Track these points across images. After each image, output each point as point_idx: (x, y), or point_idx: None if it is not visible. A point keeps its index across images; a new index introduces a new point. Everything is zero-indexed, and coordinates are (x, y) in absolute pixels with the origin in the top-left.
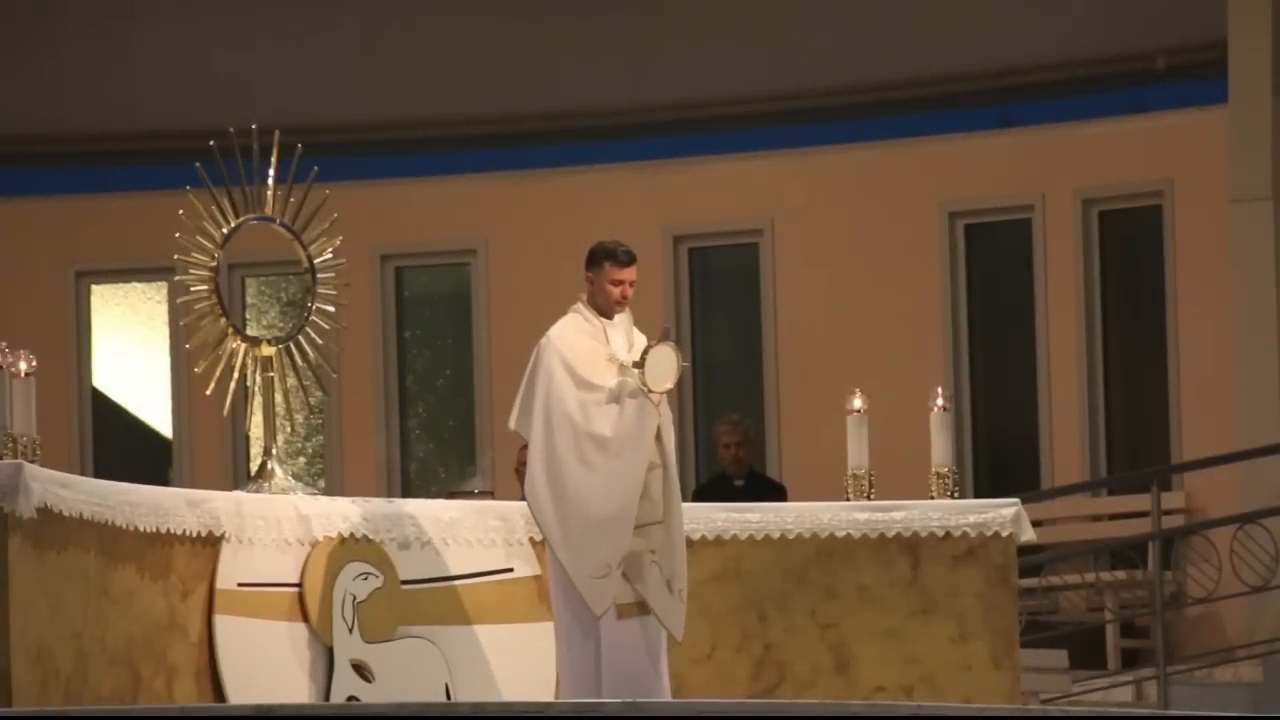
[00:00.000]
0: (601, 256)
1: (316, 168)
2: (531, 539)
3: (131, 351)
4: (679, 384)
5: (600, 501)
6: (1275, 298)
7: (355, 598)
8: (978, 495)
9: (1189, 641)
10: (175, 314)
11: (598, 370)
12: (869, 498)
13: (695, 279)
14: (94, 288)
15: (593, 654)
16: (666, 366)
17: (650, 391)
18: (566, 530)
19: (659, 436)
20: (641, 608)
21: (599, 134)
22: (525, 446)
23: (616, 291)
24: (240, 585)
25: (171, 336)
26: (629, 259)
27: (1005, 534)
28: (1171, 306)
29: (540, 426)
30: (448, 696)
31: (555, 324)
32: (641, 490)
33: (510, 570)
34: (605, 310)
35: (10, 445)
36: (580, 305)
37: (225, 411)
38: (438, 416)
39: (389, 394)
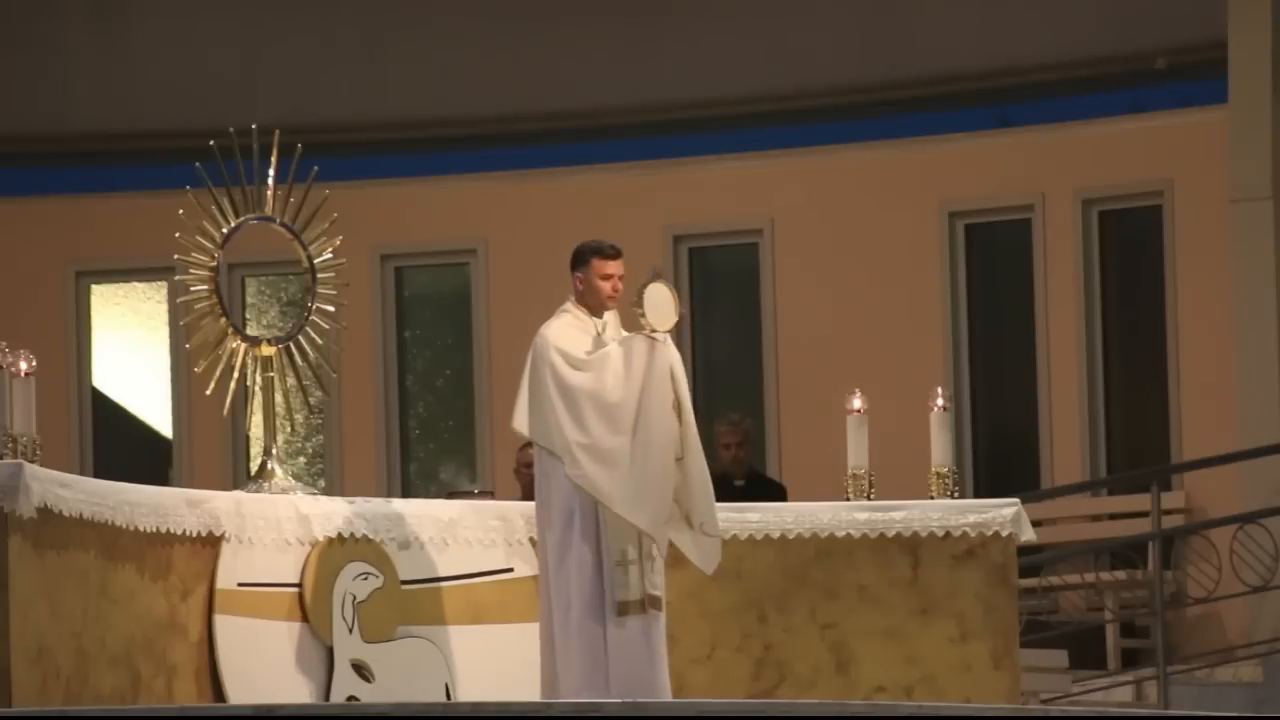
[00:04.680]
0: (589, 254)
1: (316, 168)
2: (531, 539)
3: (131, 351)
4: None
5: (643, 455)
6: (1275, 298)
7: (355, 598)
8: (978, 495)
9: (1189, 641)
10: (175, 314)
11: (593, 354)
12: (869, 498)
13: (695, 279)
14: (94, 288)
15: (602, 646)
16: (664, 302)
17: (655, 331)
18: (629, 491)
19: (672, 374)
20: (642, 605)
21: (599, 134)
22: (524, 447)
23: (607, 286)
24: (240, 585)
25: (171, 336)
26: (615, 252)
27: (1005, 534)
28: (1171, 306)
29: (560, 415)
30: (448, 696)
31: (547, 324)
32: (673, 432)
33: (510, 570)
34: (597, 309)
35: (10, 445)
36: (570, 305)
37: (225, 411)
38: (438, 416)
39: (389, 394)
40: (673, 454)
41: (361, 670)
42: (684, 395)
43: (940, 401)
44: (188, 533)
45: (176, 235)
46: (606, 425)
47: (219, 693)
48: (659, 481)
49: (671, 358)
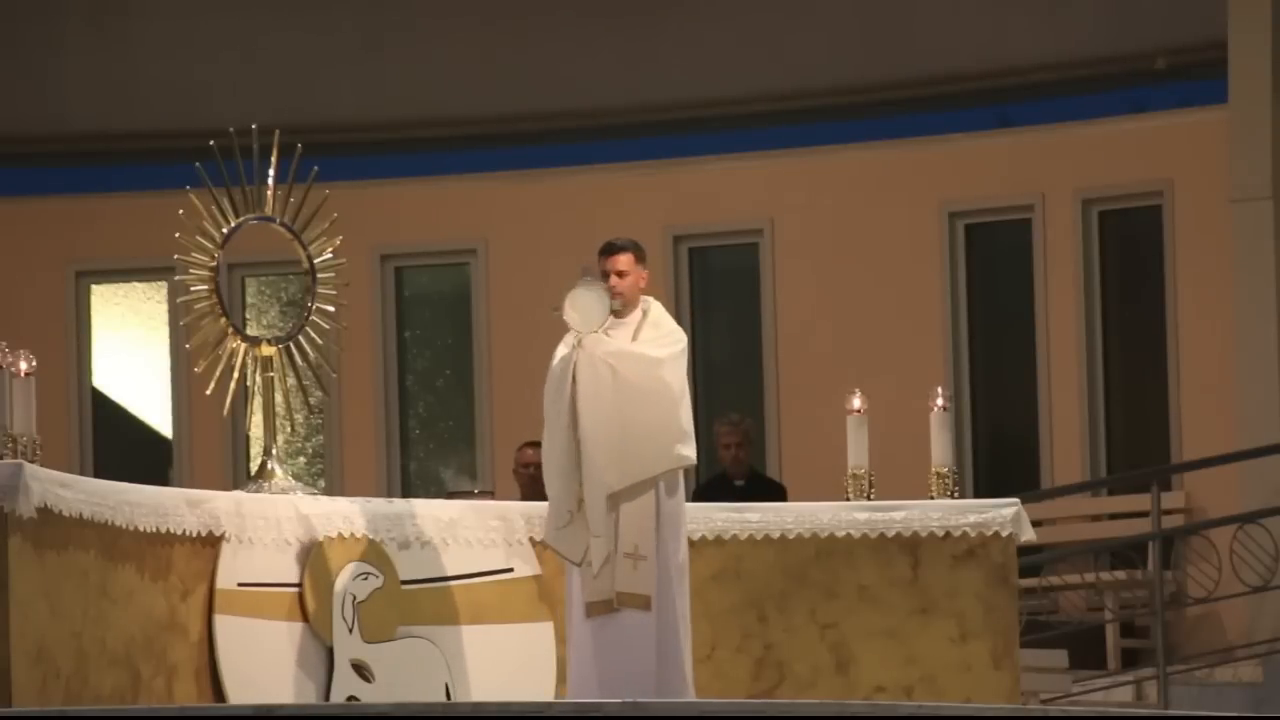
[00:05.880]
0: (598, 254)
1: (316, 168)
2: (531, 539)
3: (131, 351)
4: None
5: (546, 464)
6: (1275, 298)
7: (355, 598)
8: (978, 495)
9: (1189, 641)
10: (175, 314)
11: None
12: (869, 498)
13: (695, 279)
14: (94, 288)
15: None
16: (583, 302)
17: (580, 334)
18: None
19: (574, 377)
20: (610, 605)
21: (599, 134)
22: (522, 447)
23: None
24: (240, 585)
25: (171, 336)
26: (613, 248)
27: (1005, 534)
28: (1171, 306)
29: None
30: (448, 696)
31: None
32: (568, 435)
33: (510, 570)
34: (617, 309)
35: (10, 445)
36: None
37: (225, 411)
38: (438, 416)
39: (389, 394)
40: (568, 462)
41: (361, 670)
42: (582, 398)
43: (940, 401)
44: (188, 533)
45: (176, 235)
46: (545, 437)
47: (219, 693)
48: (554, 488)
49: (580, 360)
